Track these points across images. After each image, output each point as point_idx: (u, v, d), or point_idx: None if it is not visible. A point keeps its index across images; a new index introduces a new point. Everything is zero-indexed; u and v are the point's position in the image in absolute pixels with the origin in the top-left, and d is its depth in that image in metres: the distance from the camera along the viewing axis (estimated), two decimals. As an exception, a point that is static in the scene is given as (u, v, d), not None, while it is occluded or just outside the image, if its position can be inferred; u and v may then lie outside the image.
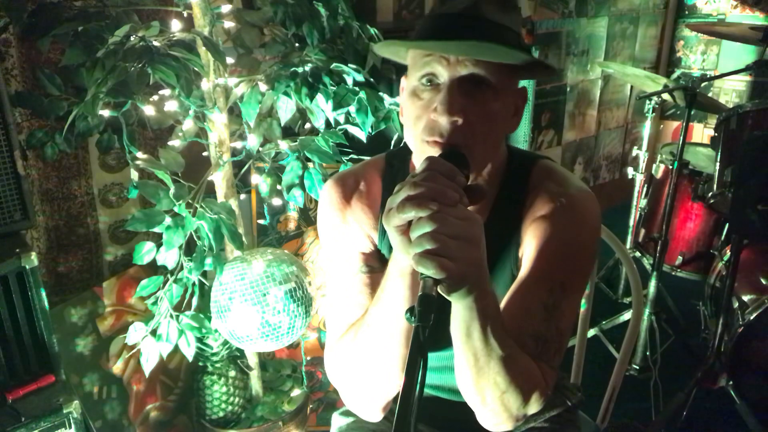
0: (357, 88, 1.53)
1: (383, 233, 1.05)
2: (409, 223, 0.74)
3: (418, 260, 0.72)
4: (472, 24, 0.87)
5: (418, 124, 0.91)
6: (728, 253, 2.08)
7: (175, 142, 1.57)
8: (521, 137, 2.83)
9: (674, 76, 4.05)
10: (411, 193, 0.74)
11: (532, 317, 0.95)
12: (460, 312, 0.81)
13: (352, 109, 1.55)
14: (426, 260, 0.71)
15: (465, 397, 0.92)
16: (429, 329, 0.66)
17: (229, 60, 1.55)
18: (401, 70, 1.02)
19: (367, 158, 1.20)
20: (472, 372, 0.86)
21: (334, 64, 1.51)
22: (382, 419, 1.05)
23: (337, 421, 1.29)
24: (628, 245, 2.90)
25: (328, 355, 1.04)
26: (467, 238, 0.74)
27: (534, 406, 0.92)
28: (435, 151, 0.88)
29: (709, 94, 3.80)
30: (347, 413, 1.29)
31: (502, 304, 0.99)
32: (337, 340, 1.02)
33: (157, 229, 1.41)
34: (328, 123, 1.59)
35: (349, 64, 1.53)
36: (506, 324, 0.94)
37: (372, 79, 1.59)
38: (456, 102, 0.86)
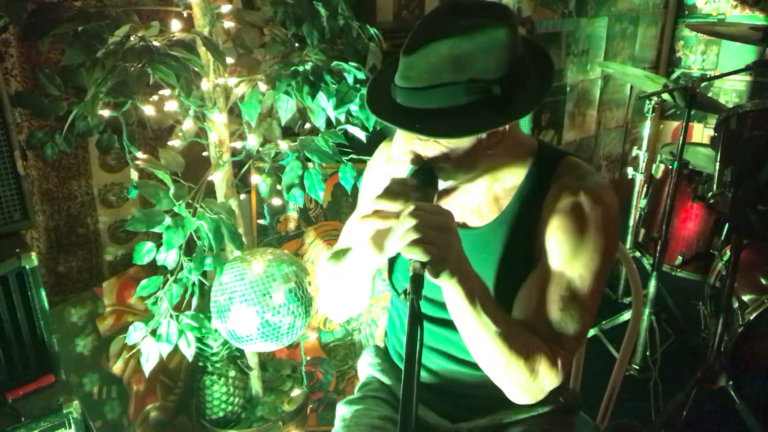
0: (358, 86, 1.53)
1: None
2: (378, 231, 0.95)
3: (407, 249, 0.87)
4: (412, 106, 0.95)
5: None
6: (728, 253, 2.08)
7: (175, 142, 1.57)
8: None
9: (674, 76, 4.05)
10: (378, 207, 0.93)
11: (549, 307, 1.03)
12: (450, 294, 0.95)
13: (353, 108, 1.55)
14: (413, 247, 0.87)
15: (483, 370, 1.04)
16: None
17: (229, 60, 1.55)
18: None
19: (367, 158, 1.31)
20: (475, 348, 1.00)
21: (334, 63, 1.51)
22: (386, 406, 1.28)
23: (341, 410, 1.32)
24: (628, 245, 2.90)
25: (319, 265, 1.32)
26: (443, 228, 0.90)
27: (546, 380, 1.01)
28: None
29: (709, 94, 3.79)
30: (351, 402, 1.32)
31: (521, 293, 1.06)
32: (327, 258, 1.25)
33: (157, 229, 1.41)
34: (327, 123, 1.59)
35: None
36: (522, 312, 1.04)
37: (373, 78, 1.59)
38: (409, 139, 1.01)
